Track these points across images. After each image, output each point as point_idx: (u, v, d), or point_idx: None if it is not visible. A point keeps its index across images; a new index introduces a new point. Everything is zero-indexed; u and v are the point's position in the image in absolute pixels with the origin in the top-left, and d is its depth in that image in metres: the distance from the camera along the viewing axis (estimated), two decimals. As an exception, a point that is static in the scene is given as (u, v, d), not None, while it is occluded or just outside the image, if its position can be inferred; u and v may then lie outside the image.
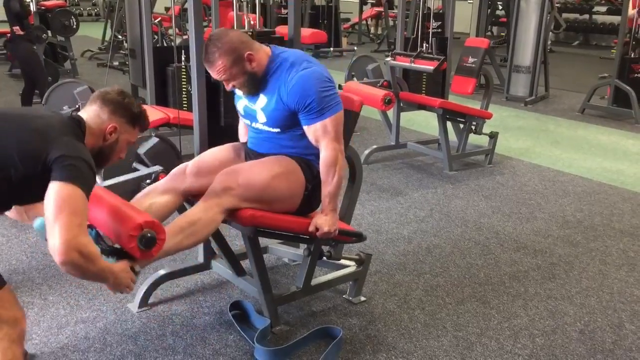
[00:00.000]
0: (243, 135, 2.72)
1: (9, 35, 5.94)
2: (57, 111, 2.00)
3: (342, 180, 2.44)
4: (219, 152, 2.56)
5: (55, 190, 1.69)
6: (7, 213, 2.00)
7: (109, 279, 1.87)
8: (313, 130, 2.37)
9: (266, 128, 2.45)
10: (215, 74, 2.35)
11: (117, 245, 2.01)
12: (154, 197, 2.40)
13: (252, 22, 3.27)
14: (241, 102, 2.53)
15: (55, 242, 1.67)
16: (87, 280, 1.92)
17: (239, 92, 2.47)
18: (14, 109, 1.92)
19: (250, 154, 2.55)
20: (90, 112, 1.96)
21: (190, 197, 2.46)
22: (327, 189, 2.39)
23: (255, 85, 2.38)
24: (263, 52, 2.38)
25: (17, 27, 5.90)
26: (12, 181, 1.73)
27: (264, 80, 2.38)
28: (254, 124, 2.50)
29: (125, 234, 1.92)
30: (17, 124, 1.79)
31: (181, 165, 2.50)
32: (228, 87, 2.40)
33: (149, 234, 1.94)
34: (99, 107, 1.96)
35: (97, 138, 1.93)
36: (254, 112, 2.46)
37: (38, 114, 1.89)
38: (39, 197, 1.73)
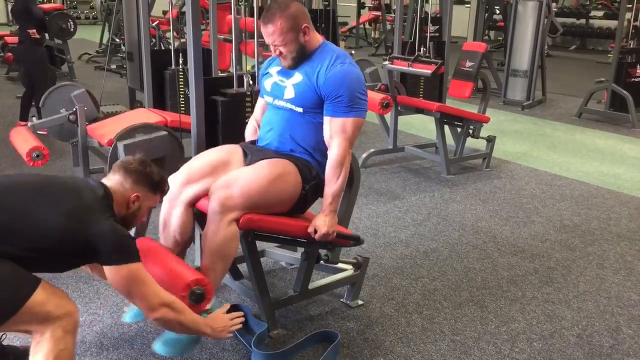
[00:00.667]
0: (251, 134, 2.71)
1: (16, 38, 5.97)
2: (86, 180, 2.09)
3: (345, 183, 2.44)
4: (209, 156, 2.53)
5: (118, 277, 1.87)
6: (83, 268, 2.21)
7: (205, 329, 2.11)
8: (333, 124, 2.38)
9: (290, 105, 2.45)
10: (269, 35, 2.37)
11: None
12: (172, 226, 2.43)
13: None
14: (269, 80, 2.54)
15: (143, 309, 1.95)
16: (187, 333, 2.16)
17: (273, 70, 2.50)
18: (41, 179, 1.97)
19: (253, 151, 2.53)
20: (113, 182, 2.06)
21: (195, 204, 2.44)
22: (331, 188, 2.40)
23: (300, 58, 2.42)
24: (316, 34, 2.45)
25: (34, 31, 5.93)
26: (45, 253, 1.83)
27: (309, 58, 2.42)
28: (276, 101, 2.50)
29: (177, 295, 2.06)
30: (53, 197, 1.88)
31: (171, 187, 2.39)
32: (275, 53, 2.42)
33: (198, 291, 2.12)
34: (122, 177, 2.06)
35: (120, 207, 2.03)
36: (284, 87, 2.47)
37: (71, 187, 1.95)
38: (70, 268, 2.00)
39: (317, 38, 2.46)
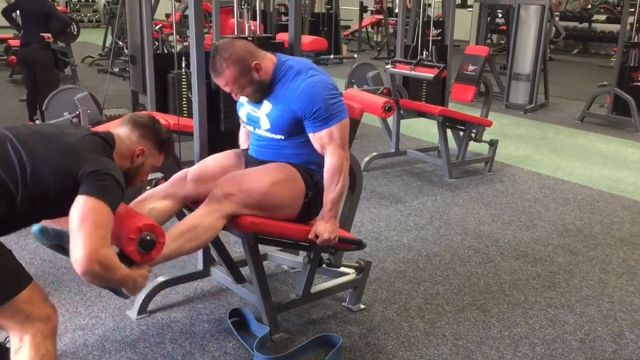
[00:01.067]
0: (244, 142, 2.73)
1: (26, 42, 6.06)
2: (86, 128, 2.07)
3: (345, 188, 2.44)
4: (221, 159, 2.55)
5: (80, 203, 1.74)
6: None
7: (128, 284, 1.92)
8: (319, 138, 2.37)
9: (269, 135, 2.45)
10: (222, 85, 2.35)
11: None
12: (154, 201, 2.40)
13: (252, 29, 3.27)
14: (244, 110, 2.53)
15: (77, 253, 1.71)
16: (107, 286, 1.98)
17: (243, 100, 2.48)
18: (43, 127, 1.97)
19: (251, 161, 2.55)
20: (120, 133, 2.02)
21: (190, 204, 2.46)
22: (329, 195, 2.39)
23: (263, 92, 2.39)
24: (269, 59, 2.39)
25: (49, 35, 6.02)
26: (47, 198, 1.79)
27: (270, 87, 2.39)
28: (257, 130, 2.50)
29: (125, 237, 1.93)
30: (49, 142, 1.84)
31: (182, 172, 2.49)
32: (236, 98, 2.42)
33: (148, 237, 1.95)
34: (129, 130, 2.04)
35: (124, 159, 2.00)
36: (258, 118, 2.46)
37: (69, 131, 1.93)
38: (68, 212, 1.78)
39: (269, 65, 2.37)
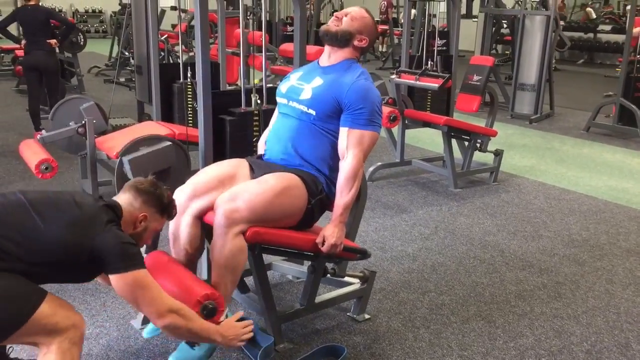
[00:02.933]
0: (262, 146, 2.71)
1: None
2: (91, 197, 2.13)
3: (355, 196, 2.45)
4: (216, 169, 2.52)
5: (123, 284, 1.87)
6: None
7: (216, 337, 2.09)
8: (351, 135, 2.40)
9: (303, 107, 2.47)
10: (354, 11, 2.53)
11: None
12: (182, 238, 2.42)
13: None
14: (287, 84, 2.59)
15: (151, 317, 1.94)
16: (195, 339, 2.15)
17: (329, 22, 2.56)
18: (56, 195, 2.00)
19: (258, 165, 2.53)
20: (123, 200, 2.07)
21: (203, 217, 2.42)
22: (342, 199, 2.40)
23: (339, 39, 2.50)
24: (357, 53, 2.57)
25: (55, 41, 6.12)
26: (54, 267, 1.85)
27: (333, 65, 2.52)
28: (291, 103, 2.53)
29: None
30: (58, 212, 1.89)
31: (178, 200, 2.38)
32: (339, 15, 2.54)
33: (210, 305, 2.12)
34: (132, 197, 2.08)
35: (127, 226, 2.03)
36: (301, 90, 2.50)
37: (75, 200, 1.96)
38: (82, 279, 2.05)
39: (355, 55, 2.56)
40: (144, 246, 2.58)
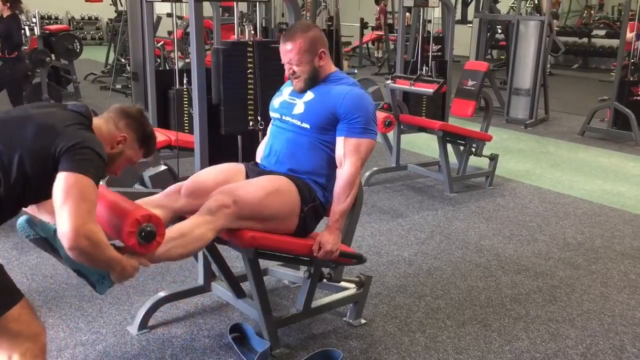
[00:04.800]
0: (260, 154, 2.72)
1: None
2: (59, 104, 2.01)
3: (352, 204, 2.47)
4: (215, 173, 2.53)
5: (61, 180, 1.70)
6: (25, 209, 2.00)
7: (116, 269, 1.88)
8: (348, 144, 2.41)
9: (297, 121, 2.48)
10: (286, 53, 2.45)
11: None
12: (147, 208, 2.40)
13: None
14: (279, 99, 2.59)
15: (64, 228, 1.67)
16: (95, 267, 1.90)
17: (285, 90, 2.53)
18: (18, 109, 1.93)
19: (254, 172, 2.55)
20: (106, 117, 2.00)
21: (183, 217, 2.42)
22: (339, 206, 2.42)
23: (313, 81, 2.48)
24: (331, 62, 2.54)
25: (15, 53, 6.07)
26: (28, 181, 1.74)
27: (320, 83, 2.49)
28: (284, 117, 2.53)
29: (125, 230, 1.92)
30: (22, 126, 1.79)
31: (176, 185, 2.47)
32: (289, 72, 2.48)
33: (148, 228, 1.94)
34: (116, 116, 2.01)
35: (105, 143, 1.91)
36: (293, 105, 2.51)
37: (41, 111, 1.89)
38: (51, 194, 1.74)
39: (331, 66, 2.54)
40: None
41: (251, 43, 2.93)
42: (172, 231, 2.20)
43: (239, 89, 2.90)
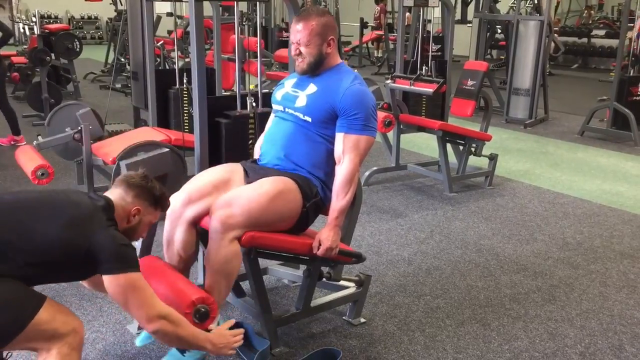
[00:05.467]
0: (258, 151, 2.72)
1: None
2: (86, 193, 2.11)
3: (351, 200, 2.47)
4: (210, 175, 2.53)
5: (116, 285, 1.87)
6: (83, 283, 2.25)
7: (206, 345, 2.08)
8: (347, 140, 2.42)
9: (298, 114, 2.49)
10: (297, 32, 2.44)
11: None
12: (176, 244, 2.44)
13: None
14: (281, 91, 2.60)
15: (140, 320, 1.95)
16: (187, 347, 2.17)
17: (296, 65, 2.51)
18: (44, 194, 2.02)
19: (253, 170, 2.54)
20: (115, 196, 2.06)
21: (198, 222, 2.44)
22: (338, 203, 2.42)
23: (315, 67, 2.48)
24: (337, 54, 2.54)
25: None
26: (49, 267, 1.85)
27: (323, 73, 2.50)
28: (286, 109, 2.54)
29: (181, 311, 2.07)
30: (54, 210, 1.90)
31: (172, 205, 2.38)
32: (295, 52, 2.47)
33: (202, 309, 2.13)
34: (123, 191, 2.07)
35: (121, 220, 2.03)
36: (295, 97, 2.51)
37: (71, 200, 1.97)
38: (79, 278, 2.07)
39: (337, 57, 2.54)
40: (139, 249, 2.59)
41: (252, 116, 2.96)
42: (212, 270, 2.29)
43: (240, 154, 2.88)
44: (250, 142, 2.94)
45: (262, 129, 2.79)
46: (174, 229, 2.44)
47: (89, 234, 1.85)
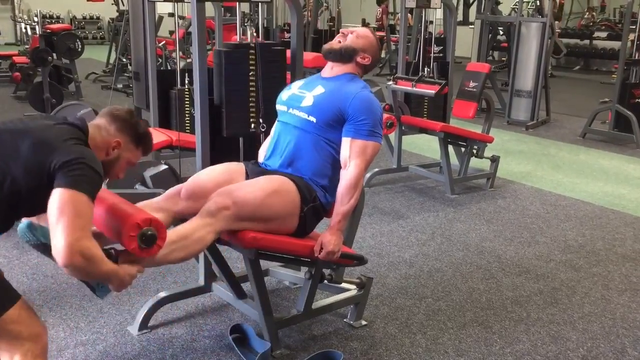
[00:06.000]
0: (262, 154, 2.71)
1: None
2: (58, 117, 2.00)
3: (355, 206, 2.46)
4: (215, 174, 2.52)
5: (56, 196, 1.69)
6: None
7: (113, 281, 1.89)
8: (354, 145, 2.42)
9: (304, 114, 2.49)
10: (355, 31, 2.61)
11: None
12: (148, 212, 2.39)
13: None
14: (288, 92, 2.62)
15: (58, 245, 1.67)
16: (91, 280, 1.94)
17: (333, 40, 2.62)
18: (14, 121, 1.91)
19: (254, 171, 2.54)
20: (98, 124, 1.98)
21: (183, 219, 2.41)
22: (342, 207, 2.41)
23: (341, 55, 2.57)
24: (361, 71, 2.64)
25: None
26: (21, 194, 1.74)
27: (336, 76, 2.57)
28: (291, 110, 2.54)
29: (126, 234, 1.91)
30: (19, 139, 1.78)
31: (176, 187, 2.46)
32: (340, 35, 2.62)
33: (149, 232, 1.94)
34: (106, 122, 1.98)
35: (99, 151, 1.93)
36: (302, 98, 2.53)
37: (38, 124, 1.88)
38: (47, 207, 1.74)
39: (358, 71, 2.62)
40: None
41: (253, 45, 2.93)
42: (172, 234, 2.19)
43: (240, 91, 2.90)
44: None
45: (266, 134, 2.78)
46: (160, 206, 2.39)
47: (52, 152, 1.74)
